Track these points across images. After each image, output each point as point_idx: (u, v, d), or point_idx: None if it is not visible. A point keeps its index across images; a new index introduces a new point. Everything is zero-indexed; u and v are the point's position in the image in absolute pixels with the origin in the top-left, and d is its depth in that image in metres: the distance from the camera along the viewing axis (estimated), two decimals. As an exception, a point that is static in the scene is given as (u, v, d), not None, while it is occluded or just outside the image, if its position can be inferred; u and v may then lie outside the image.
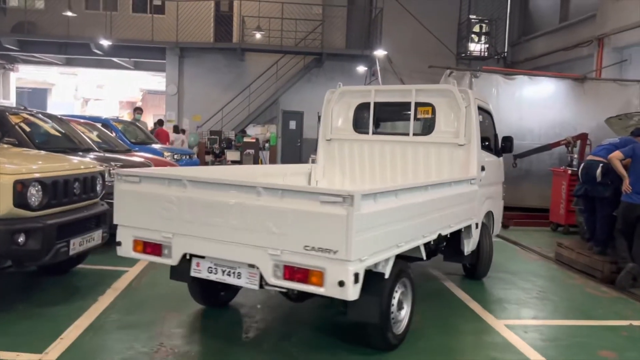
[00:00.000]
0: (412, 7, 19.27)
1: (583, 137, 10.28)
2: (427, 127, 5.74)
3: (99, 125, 10.16)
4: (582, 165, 6.86)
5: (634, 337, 4.57)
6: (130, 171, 4.18)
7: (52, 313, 4.53)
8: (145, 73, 27.69)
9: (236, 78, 20.25)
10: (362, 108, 6.03)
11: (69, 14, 17.99)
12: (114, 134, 10.51)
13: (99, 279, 5.50)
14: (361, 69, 20.00)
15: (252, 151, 17.72)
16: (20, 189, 4.25)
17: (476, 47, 20.67)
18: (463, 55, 20.56)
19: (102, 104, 33.51)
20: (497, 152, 6.45)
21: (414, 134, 5.75)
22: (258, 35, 19.04)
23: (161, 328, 4.34)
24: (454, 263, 5.92)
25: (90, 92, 32.91)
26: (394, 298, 3.90)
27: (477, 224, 5.55)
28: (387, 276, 3.67)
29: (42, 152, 5.61)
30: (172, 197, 3.79)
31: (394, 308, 3.92)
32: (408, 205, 3.86)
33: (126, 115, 32.40)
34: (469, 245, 5.45)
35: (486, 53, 20.65)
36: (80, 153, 6.81)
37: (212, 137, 19.52)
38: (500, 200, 6.72)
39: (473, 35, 20.53)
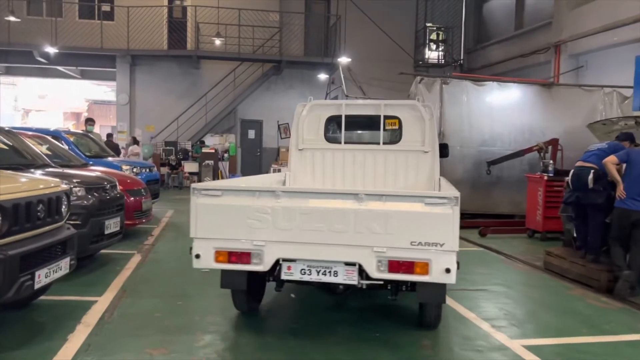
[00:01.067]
0: (369, 15, 19.18)
1: (554, 142, 10.29)
2: (395, 137, 6.25)
3: (49, 137, 9.32)
4: (572, 172, 6.70)
5: (656, 352, 4.36)
6: (209, 184, 4.37)
7: (14, 359, 3.87)
8: (90, 82, 26.42)
9: (191, 86, 19.53)
10: (332, 120, 6.38)
11: (11, 18, 16.78)
12: (66, 147, 9.69)
13: (66, 313, 4.84)
14: (322, 76, 19.68)
15: (211, 162, 17.04)
16: (-25, 215, 3.61)
17: (433, 54, 20.86)
18: (421, 62, 20.67)
19: (45, 115, 31.77)
20: None
21: (384, 143, 6.25)
22: (217, 42, 18.36)
23: (148, 371, 3.78)
24: None
25: (31, 102, 31.15)
26: None
27: None
28: None
29: (-6, 169, 4.91)
30: (266, 207, 4.01)
31: None
32: None
33: (71, 127, 30.90)
34: None
35: (443, 60, 20.85)
36: (33, 170, 6.09)
37: (168, 148, 18.74)
38: None
39: (430, 43, 20.69)
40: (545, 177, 9.33)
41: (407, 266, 3.85)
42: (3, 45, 17.77)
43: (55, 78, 22.97)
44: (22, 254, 3.89)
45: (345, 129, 6.29)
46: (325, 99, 18.12)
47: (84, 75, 22.62)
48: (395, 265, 3.87)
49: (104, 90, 29.85)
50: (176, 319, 4.83)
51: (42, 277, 4.14)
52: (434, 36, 20.69)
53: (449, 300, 5.52)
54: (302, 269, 4.08)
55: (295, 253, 4.05)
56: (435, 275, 3.81)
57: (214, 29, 18.46)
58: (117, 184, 7.21)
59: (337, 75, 18.09)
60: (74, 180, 6.21)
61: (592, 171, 6.37)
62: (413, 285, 4.31)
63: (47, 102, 31.85)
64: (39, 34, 17.83)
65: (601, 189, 6.30)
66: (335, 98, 18.33)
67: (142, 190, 8.86)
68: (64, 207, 4.70)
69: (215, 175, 17.29)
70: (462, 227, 10.83)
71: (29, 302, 4.97)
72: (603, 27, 13.30)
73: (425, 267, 3.82)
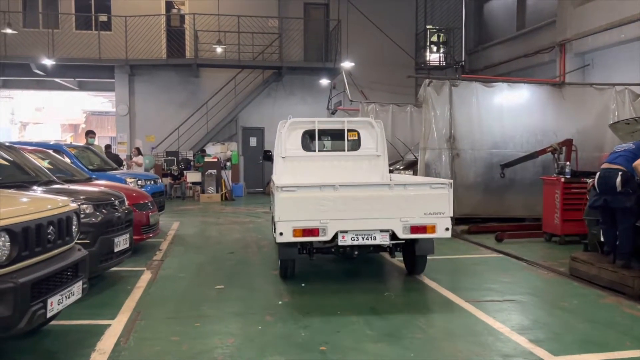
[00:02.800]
0: (368, 19, 18.96)
1: (568, 143, 10.06)
2: (356, 145, 7.85)
3: (50, 151, 9.05)
4: (598, 174, 6.43)
5: None
6: (288, 184, 5.98)
7: (29, 394, 3.61)
8: (87, 93, 26.15)
9: (191, 95, 19.29)
10: (307, 133, 7.82)
11: (8, 31, 16.51)
12: (68, 161, 9.42)
13: (79, 339, 4.57)
14: (323, 82, 19.45)
15: (214, 171, 16.77)
16: (-18, 242, 3.34)
17: (434, 56, 20.67)
18: (422, 65, 20.45)
19: (42, 128, 31.50)
20: None
21: (348, 150, 7.81)
22: (219, 49, 18.11)
23: (173, 403, 3.51)
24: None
25: (28, 115, 30.86)
26: None
27: None
28: None
29: (-1, 189, 4.63)
30: (329, 196, 5.76)
31: None
32: None
33: (70, 139, 30.63)
34: None
35: (444, 62, 20.65)
36: (36, 187, 5.83)
37: (169, 158, 18.47)
38: None
39: (431, 45, 20.50)
40: (563, 179, 9.08)
41: (422, 228, 5.86)
42: (0, 58, 17.50)
43: (52, 90, 22.68)
44: (34, 281, 3.63)
45: (318, 140, 7.90)
46: (328, 104, 17.95)
47: (82, 87, 22.36)
48: (414, 229, 5.85)
49: (101, 101, 29.59)
50: (195, 342, 4.56)
51: (55, 304, 3.87)
52: (434, 38, 20.50)
53: (481, 314, 5.28)
54: (352, 237, 5.82)
55: (348, 226, 5.80)
56: (439, 233, 5.88)
57: (213, 37, 18.23)
58: (125, 198, 6.94)
59: (339, 80, 17.88)
60: (81, 197, 5.95)
61: (619, 173, 6.11)
62: (403, 247, 6.41)
63: (44, 115, 31.57)
64: (35, 46, 17.59)
65: (630, 191, 6.05)
66: (338, 103, 18.13)
67: (149, 204, 8.59)
68: (74, 227, 4.44)
69: (219, 185, 17.02)
70: (475, 232, 10.61)
71: (40, 328, 4.69)
72: (609, 24, 13.11)
73: (433, 228, 5.86)
